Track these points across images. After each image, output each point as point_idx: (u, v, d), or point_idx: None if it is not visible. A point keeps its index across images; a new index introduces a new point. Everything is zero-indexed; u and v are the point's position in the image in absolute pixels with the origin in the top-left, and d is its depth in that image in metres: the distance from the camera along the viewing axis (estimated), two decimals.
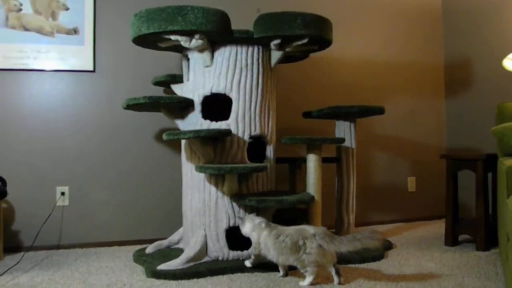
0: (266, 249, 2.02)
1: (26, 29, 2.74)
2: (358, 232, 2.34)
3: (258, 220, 2.11)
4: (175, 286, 1.97)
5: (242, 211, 2.29)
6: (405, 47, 3.65)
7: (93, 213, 2.83)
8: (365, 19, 3.52)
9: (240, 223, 2.16)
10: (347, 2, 3.47)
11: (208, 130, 2.11)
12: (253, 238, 2.08)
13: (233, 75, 2.33)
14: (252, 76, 2.36)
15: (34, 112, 2.76)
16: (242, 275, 2.13)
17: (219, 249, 2.28)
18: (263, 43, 2.39)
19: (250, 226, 2.10)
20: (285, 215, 2.57)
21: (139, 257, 2.37)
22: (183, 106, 2.39)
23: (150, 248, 2.49)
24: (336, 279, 1.97)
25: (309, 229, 1.97)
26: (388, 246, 2.61)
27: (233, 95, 2.32)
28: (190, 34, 2.21)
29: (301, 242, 1.92)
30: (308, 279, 1.94)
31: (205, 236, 2.29)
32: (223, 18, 2.20)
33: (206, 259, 2.28)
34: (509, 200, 1.64)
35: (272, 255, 2.00)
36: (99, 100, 2.87)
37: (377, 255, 2.36)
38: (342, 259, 2.27)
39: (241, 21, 2.94)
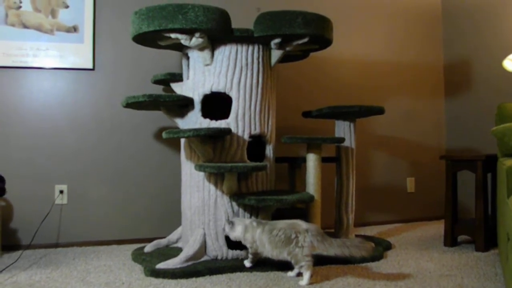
0: (262, 245, 2.04)
1: (25, 27, 2.73)
2: (349, 238, 2.33)
3: (247, 221, 2.12)
4: (174, 285, 1.96)
5: (241, 210, 2.28)
6: (405, 47, 3.65)
7: (91, 211, 2.82)
8: (366, 19, 3.52)
9: (228, 229, 2.14)
10: (347, 2, 3.46)
11: (208, 129, 2.11)
12: (247, 239, 2.09)
13: (233, 74, 2.32)
14: (252, 75, 2.35)
15: (33, 110, 2.75)
16: (241, 274, 2.12)
17: (218, 248, 2.27)
18: (263, 42, 2.38)
19: (241, 228, 2.10)
20: (284, 214, 2.56)
21: (138, 256, 2.37)
22: (183, 105, 2.39)
23: (148, 247, 2.48)
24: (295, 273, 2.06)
25: (301, 223, 2.00)
26: (387, 246, 2.60)
27: (233, 94, 2.32)
28: (190, 32, 2.20)
29: (293, 236, 1.94)
30: (306, 276, 1.94)
31: (204, 235, 2.29)
32: (223, 17, 2.19)
33: (205, 258, 2.27)
34: (510, 200, 1.64)
35: (267, 249, 2.02)
36: (98, 98, 2.86)
37: (376, 255, 2.36)
38: (341, 259, 2.26)
39: (241, 20, 2.94)
